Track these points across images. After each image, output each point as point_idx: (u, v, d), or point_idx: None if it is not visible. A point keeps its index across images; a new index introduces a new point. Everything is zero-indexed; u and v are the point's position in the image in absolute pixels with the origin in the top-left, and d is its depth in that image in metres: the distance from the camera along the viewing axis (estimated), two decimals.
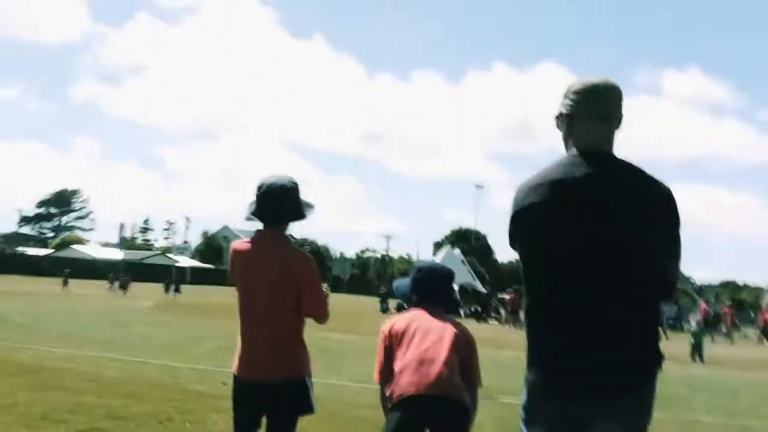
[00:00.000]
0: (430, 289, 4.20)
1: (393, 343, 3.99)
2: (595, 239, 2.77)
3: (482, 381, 4.06)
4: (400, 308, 31.37)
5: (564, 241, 2.78)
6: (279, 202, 4.20)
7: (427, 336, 3.94)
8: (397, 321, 4.10)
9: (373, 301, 50.17)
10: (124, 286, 45.97)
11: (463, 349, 3.97)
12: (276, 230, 4.26)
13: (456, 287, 4.40)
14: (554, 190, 2.81)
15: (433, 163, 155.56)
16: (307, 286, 4.18)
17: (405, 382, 3.83)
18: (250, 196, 4.31)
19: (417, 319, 4.05)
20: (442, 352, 3.88)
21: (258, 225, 4.32)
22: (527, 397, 2.92)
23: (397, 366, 3.91)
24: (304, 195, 4.33)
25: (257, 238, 4.29)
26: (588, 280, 2.77)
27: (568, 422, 2.79)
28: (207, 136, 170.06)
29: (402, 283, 4.34)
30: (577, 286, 2.79)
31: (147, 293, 43.55)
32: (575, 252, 2.78)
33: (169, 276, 60.11)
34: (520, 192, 2.90)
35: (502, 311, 41.43)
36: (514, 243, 2.94)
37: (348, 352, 16.90)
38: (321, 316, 4.29)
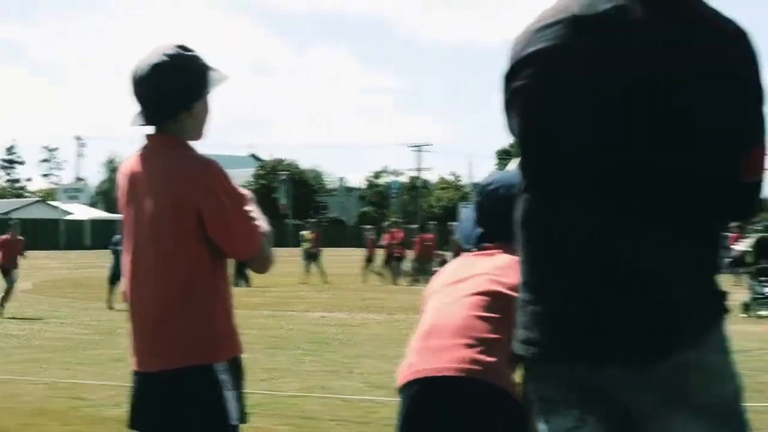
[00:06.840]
0: (499, 216, 2.61)
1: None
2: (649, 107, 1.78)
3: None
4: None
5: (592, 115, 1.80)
6: (149, 88, 2.80)
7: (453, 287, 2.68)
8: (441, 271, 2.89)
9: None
10: None
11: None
12: (162, 134, 2.85)
13: None
14: (574, 27, 1.84)
15: None
16: (213, 213, 2.72)
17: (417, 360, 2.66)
18: None
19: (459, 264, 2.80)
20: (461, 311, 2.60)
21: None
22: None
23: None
24: (208, 67, 2.87)
25: (142, 149, 2.93)
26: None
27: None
28: None
29: (465, 219, 2.90)
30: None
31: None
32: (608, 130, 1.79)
33: (54, 237, 48.74)
34: (519, 38, 1.94)
35: None
36: (511, 118, 1.97)
37: (360, 341, 11.63)
38: (247, 252, 2.83)
